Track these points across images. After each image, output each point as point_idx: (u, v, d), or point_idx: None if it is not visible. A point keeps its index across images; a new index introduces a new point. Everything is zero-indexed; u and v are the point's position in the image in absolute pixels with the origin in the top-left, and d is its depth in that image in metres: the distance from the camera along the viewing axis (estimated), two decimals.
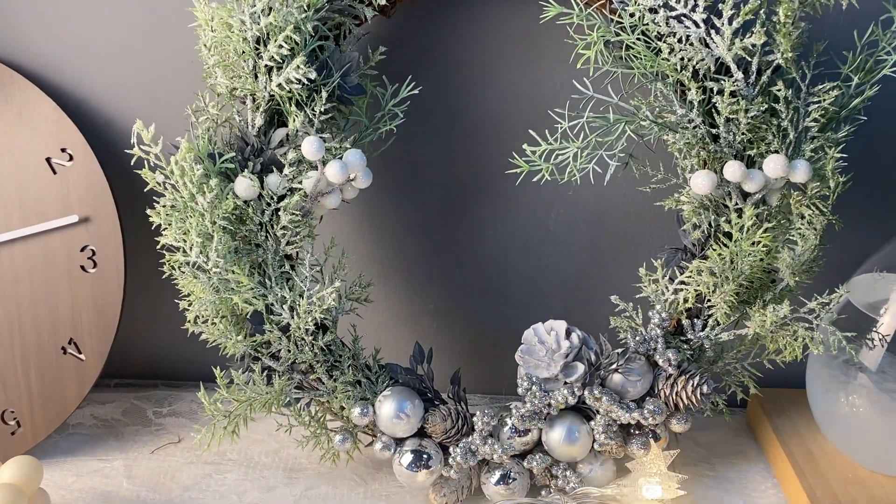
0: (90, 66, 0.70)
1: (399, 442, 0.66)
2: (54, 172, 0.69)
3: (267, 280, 0.63)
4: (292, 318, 0.63)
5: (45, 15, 0.69)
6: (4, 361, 0.70)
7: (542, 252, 0.76)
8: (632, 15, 0.58)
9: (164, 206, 0.59)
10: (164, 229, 0.60)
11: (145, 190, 0.59)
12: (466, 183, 0.75)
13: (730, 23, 0.57)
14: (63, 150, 0.69)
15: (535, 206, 0.75)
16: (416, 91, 0.63)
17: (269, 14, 0.57)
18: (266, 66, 0.58)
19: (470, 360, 0.81)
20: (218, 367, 0.63)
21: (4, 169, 0.69)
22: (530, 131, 0.60)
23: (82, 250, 0.70)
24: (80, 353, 0.70)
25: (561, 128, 0.59)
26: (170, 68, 0.70)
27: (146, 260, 0.74)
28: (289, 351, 0.64)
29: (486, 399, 0.81)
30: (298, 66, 0.57)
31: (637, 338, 0.65)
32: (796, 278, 0.62)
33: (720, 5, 0.57)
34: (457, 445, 0.65)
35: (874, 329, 0.63)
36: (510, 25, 0.68)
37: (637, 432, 0.66)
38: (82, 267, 0.70)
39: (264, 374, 0.64)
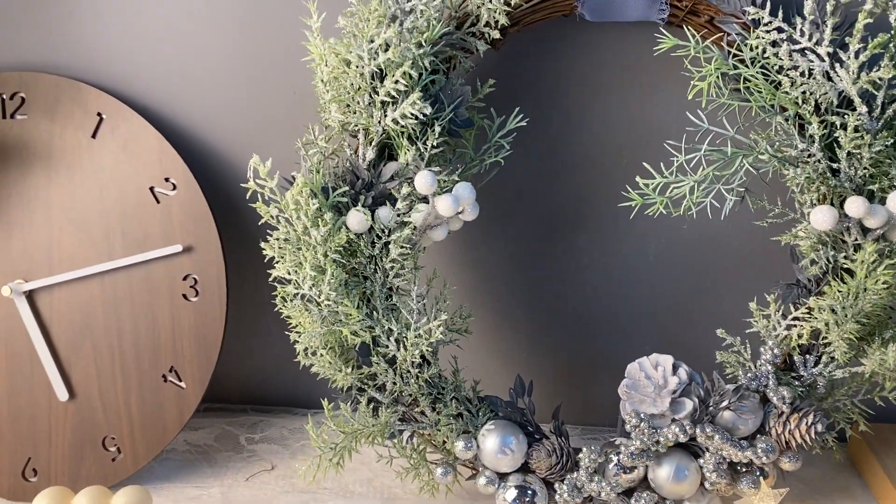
0: (193, 97, 0.71)
1: (502, 476, 0.66)
2: (158, 201, 0.70)
3: (374, 312, 0.63)
4: (399, 350, 0.62)
5: (151, 46, 0.70)
6: (106, 388, 0.71)
7: (641, 282, 0.75)
8: (752, 48, 0.58)
9: (277, 240, 0.60)
10: (276, 262, 0.60)
11: (256, 225, 0.60)
12: (566, 212, 0.74)
13: (856, 56, 0.56)
14: (167, 180, 0.70)
15: (636, 235, 0.74)
16: (523, 123, 0.63)
17: (386, 50, 0.57)
18: (382, 101, 0.58)
19: (560, 388, 0.80)
20: (324, 399, 0.63)
21: (109, 197, 0.70)
22: (645, 164, 0.59)
23: (185, 279, 0.70)
24: (180, 380, 0.71)
25: (677, 161, 0.58)
26: (271, 99, 0.71)
27: (246, 288, 0.74)
28: (394, 383, 0.63)
29: (577, 430, 0.80)
30: (415, 102, 0.57)
31: (748, 374, 0.64)
32: None
33: (847, 38, 0.56)
34: (562, 482, 0.64)
35: None
36: (618, 55, 0.67)
37: (745, 470, 0.64)
38: (184, 295, 0.70)
39: (370, 406, 0.64)
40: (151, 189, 0.70)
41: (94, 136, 0.70)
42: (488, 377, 0.76)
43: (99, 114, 0.70)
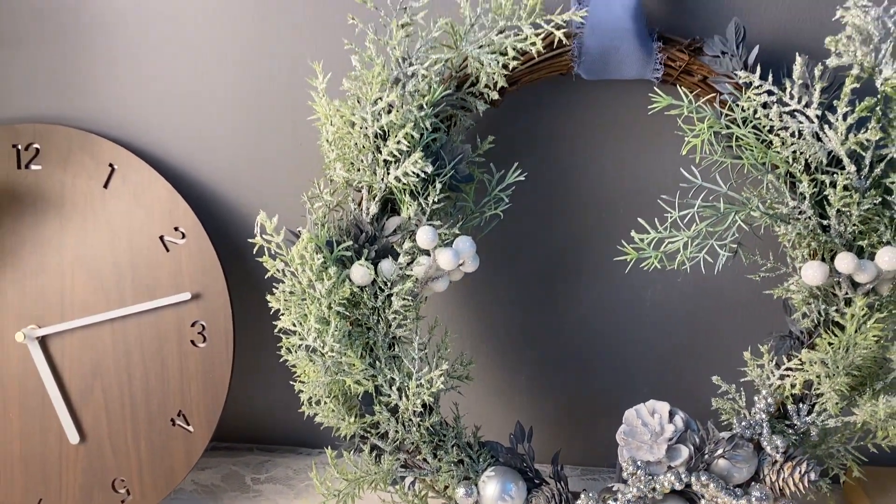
0: (202, 149, 0.73)
1: None
2: (167, 250, 0.72)
3: (377, 362, 0.64)
4: (401, 399, 0.64)
5: (161, 100, 0.72)
6: (116, 431, 0.73)
7: (638, 327, 0.77)
8: (743, 109, 0.59)
9: (282, 292, 0.61)
10: (282, 314, 0.62)
11: (262, 275, 0.62)
12: (565, 259, 0.76)
13: (844, 119, 0.57)
14: (176, 229, 0.72)
15: (633, 281, 0.75)
16: (522, 178, 0.65)
17: (389, 112, 0.59)
18: (385, 160, 0.60)
19: (560, 431, 0.81)
20: (328, 448, 0.65)
21: (120, 246, 0.72)
22: (640, 219, 0.61)
23: (193, 325, 0.72)
24: (188, 424, 0.73)
25: (671, 217, 0.60)
26: (277, 151, 0.73)
27: (253, 334, 0.76)
28: (397, 431, 0.65)
29: (577, 471, 0.81)
30: (417, 161, 0.59)
31: (743, 422, 0.65)
32: None
33: (835, 101, 0.57)
34: None
35: None
36: (614, 111, 0.69)
37: None
38: (192, 341, 0.72)
39: (372, 453, 0.66)
40: (161, 238, 0.72)
41: (105, 185, 0.72)
42: (490, 420, 0.78)
43: (111, 164, 0.72)
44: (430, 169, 0.60)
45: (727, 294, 0.74)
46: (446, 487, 0.67)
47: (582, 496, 0.65)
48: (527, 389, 0.80)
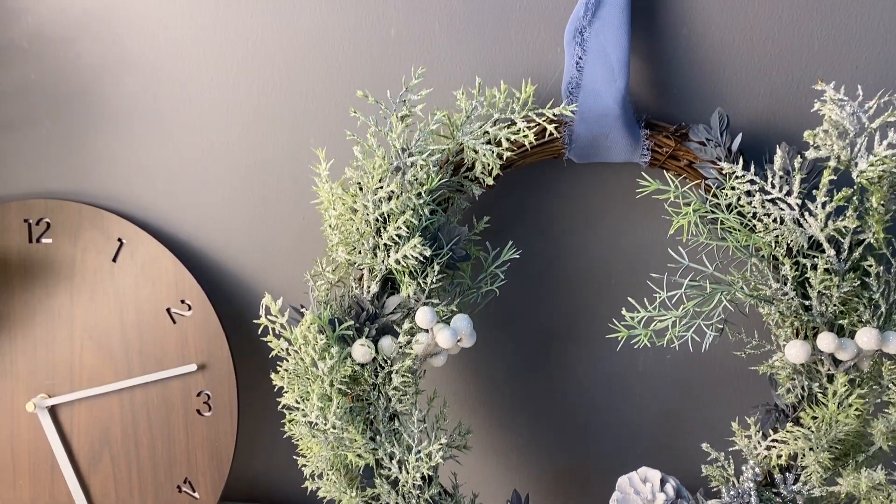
0: (208, 223, 0.76)
1: None
2: (174, 322, 0.75)
3: (377, 436, 0.66)
4: (401, 472, 0.66)
5: (168, 177, 0.75)
6: (123, 499, 0.75)
7: (631, 393, 0.79)
8: (727, 196, 0.62)
9: (286, 371, 0.64)
10: (285, 391, 0.64)
11: (264, 350, 0.64)
12: (559, 329, 0.78)
13: (823, 207, 0.60)
14: (182, 301, 0.74)
15: (625, 349, 0.78)
16: (516, 255, 0.67)
17: (390, 199, 0.62)
18: (385, 244, 0.63)
19: (556, 494, 0.83)
20: (325, 500, 0.67)
21: (128, 317, 0.74)
22: (630, 299, 0.63)
23: (198, 395, 0.74)
24: (194, 491, 0.75)
25: (659, 297, 0.63)
26: (281, 225, 0.75)
27: (256, 402, 0.78)
28: (397, 503, 0.67)
29: None
30: (415, 245, 0.62)
31: (731, 491, 0.67)
32: (889, 443, 0.64)
33: (814, 190, 0.60)
34: None
35: None
36: (604, 192, 0.72)
37: None
38: (198, 410, 0.74)
39: None
40: (168, 310, 0.74)
41: (114, 259, 0.74)
42: (489, 486, 0.80)
43: (119, 239, 0.74)
44: (428, 252, 0.63)
45: (716, 364, 0.76)
46: None
47: None
48: (524, 454, 0.83)
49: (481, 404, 0.81)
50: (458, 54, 0.68)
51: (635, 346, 0.65)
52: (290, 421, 0.65)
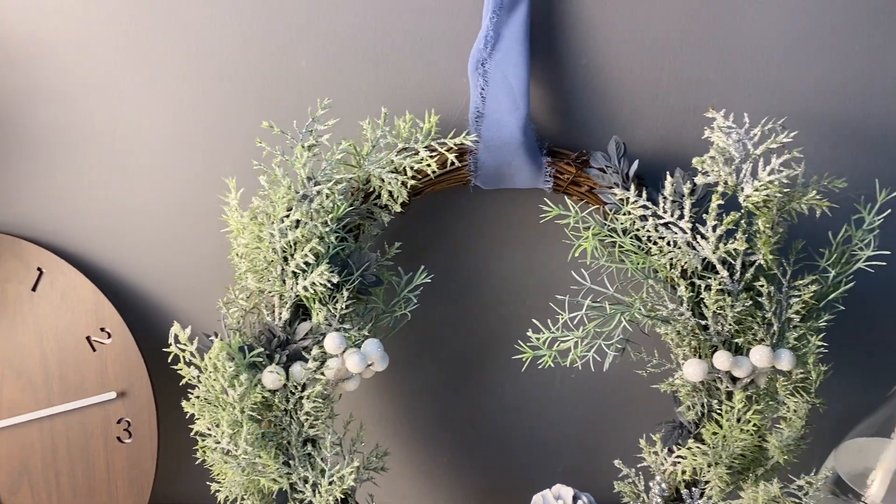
0: (127, 252, 0.77)
1: None
2: (94, 350, 0.75)
3: (291, 461, 0.67)
4: (314, 495, 0.67)
5: (87, 206, 0.75)
6: None
7: (549, 410, 0.81)
8: (623, 221, 0.64)
9: (197, 398, 0.65)
10: (197, 418, 0.65)
11: (181, 379, 0.65)
12: (475, 349, 0.80)
13: (714, 230, 0.62)
14: (102, 329, 0.75)
15: (541, 370, 0.79)
16: (428, 279, 0.69)
17: (296, 228, 0.63)
18: (293, 272, 0.64)
19: None
20: None
21: (48, 346, 0.75)
22: (534, 320, 0.65)
23: (119, 422, 0.75)
24: None
25: (562, 318, 0.64)
26: (198, 253, 0.76)
27: (177, 429, 0.78)
28: None
29: None
30: (323, 272, 0.63)
31: None
32: (785, 457, 0.66)
33: (704, 214, 0.63)
34: None
35: (862, 499, 0.67)
36: (512, 217, 0.74)
37: None
38: (118, 438, 0.75)
39: None
40: (88, 338, 0.75)
41: (34, 289, 0.75)
42: (414, 502, 0.81)
43: (39, 268, 0.75)
44: (336, 279, 0.64)
45: (627, 381, 0.78)
46: None
47: None
48: (449, 470, 0.84)
49: (403, 426, 0.82)
50: (366, 85, 0.70)
51: (539, 367, 0.67)
52: (202, 448, 0.66)
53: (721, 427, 0.65)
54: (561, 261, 0.74)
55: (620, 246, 0.65)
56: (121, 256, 0.77)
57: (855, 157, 0.70)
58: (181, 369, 0.64)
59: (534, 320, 0.65)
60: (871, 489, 0.67)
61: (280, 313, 0.67)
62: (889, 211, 0.64)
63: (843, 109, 0.69)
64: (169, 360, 0.64)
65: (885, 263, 0.64)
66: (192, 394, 0.64)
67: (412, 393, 0.81)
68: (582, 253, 0.64)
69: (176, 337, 0.63)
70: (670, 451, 0.70)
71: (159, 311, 0.78)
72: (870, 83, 0.68)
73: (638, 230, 0.65)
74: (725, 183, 0.61)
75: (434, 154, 0.65)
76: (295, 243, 0.64)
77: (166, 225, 0.76)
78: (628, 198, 0.64)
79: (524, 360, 0.64)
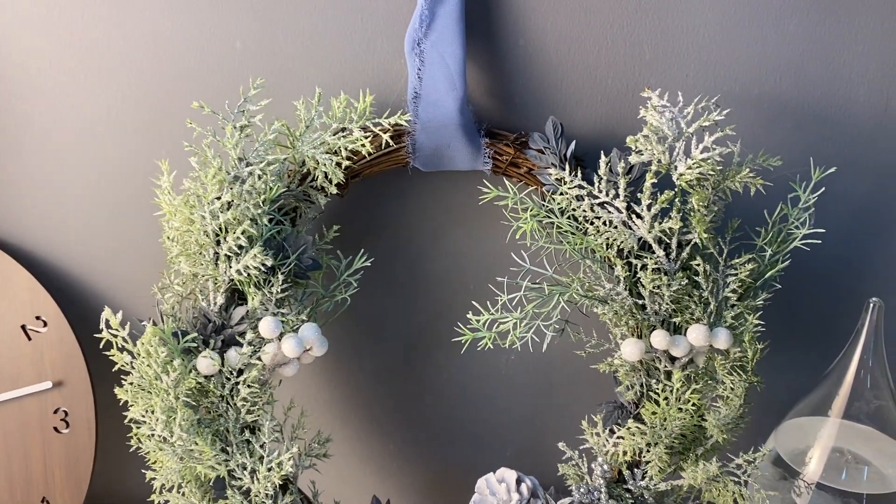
0: (64, 240, 0.75)
1: None
2: (29, 339, 0.73)
3: (229, 447, 0.66)
4: (253, 482, 0.66)
5: (23, 194, 0.74)
6: None
7: (495, 395, 0.81)
8: (559, 202, 0.64)
9: (130, 384, 0.63)
10: (131, 405, 0.64)
11: (114, 362, 0.63)
12: (421, 334, 0.79)
13: (648, 209, 0.62)
14: (38, 318, 0.73)
15: (487, 354, 0.79)
16: (368, 263, 0.68)
17: (227, 209, 0.62)
18: (226, 255, 0.63)
19: (430, 496, 0.84)
20: None
21: None
22: (473, 302, 0.65)
23: (55, 412, 0.73)
24: None
25: (501, 300, 0.64)
26: (136, 241, 0.75)
27: (116, 418, 0.77)
28: None
29: None
30: (255, 255, 0.62)
31: (582, 489, 0.69)
32: (724, 436, 0.66)
33: (639, 194, 0.63)
34: None
35: (800, 477, 0.67)
36: (452, 199, 0.73)
37: None
38: (55, 428, 0.73)
39: None
40: (23, 327, 0.73)
41: None
42: (357, 490, 0.80)
43: None
44: (270, 262, 0.63)
45: (571, 364, 0.78)
46: None
47: None
48: (396, 456, 0.83)
49: (349, 412, 0.81)
50: (302, 66, 0.69)
51: (479, 349, 0.67)
52: (136, 435, 0.65)
53: (659, 406, 0.65)
54: (502, 243, 0.74)
55: (558, 227, 0.65)
56: (57, 244, 0.75)
57: (790, 136, 0.70)
58: (114, 355, 0.63)
59: (474, 302, 0.64)
60: (809, 466, 0.68)
61: (215, 298, 0.66)
62: (823, 189, 0.65)
63: (779, 89, 0.69)
64: (101, 346, 0.62)
65: (820, 241, 0.64)
66: (127, 381, 0.63)
67: (357, 379, 0.80)
68: (522, 234, 0.64)
69: (107, 322, 0.62)
70: (611, 433, 0.70)
71: (97, 299, 0.76)
72: (806, 63, 0.69)
73: (575, 210, 0.64)
74: (659, 161, 0.61)
75: (369, 134, 0.64)
76: (227, 226, 0.63)
77: (102, 212, 0.74)
78: (565, 178, 0.64)
79: (464, 342, 0.63)
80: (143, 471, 0.69)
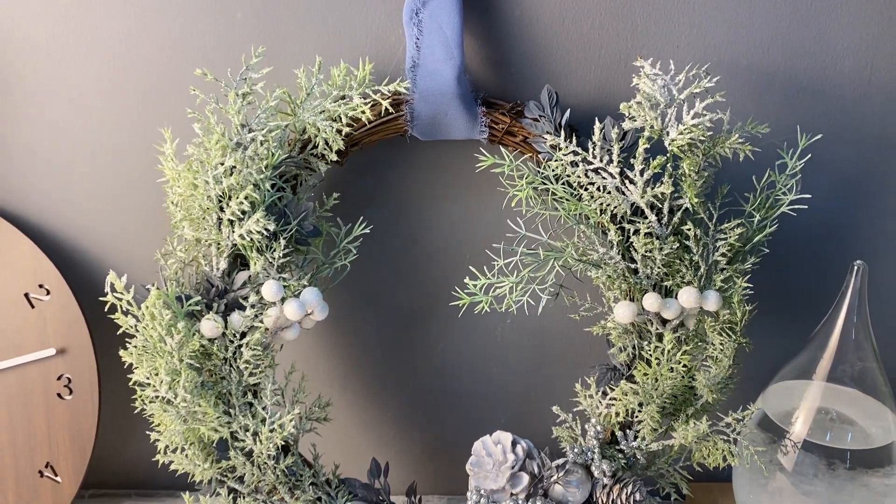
0: (66, 209, 0.76)
1: None
2: (32, 306, 0.74)
3: (231, 409, 0.68)
4: (255, 444, 0.68)
5: (26, 165, 0.75)
6: None
7: (491, 364, 0.82)
8: (554, 168, 0.66)
9: (135, 347, 0.65)
10: (135, 368, 0.65)
11: (122, 329, 0.65)
12: (419, 304, 0.81)
13: (641, 174, 0.64)
14: (41, 286, 0.74)
15: (483, 322, 0.81)
16: (367, 230, 0.69)
17: (230, 175, 0.63)
18: (229, 219, 0.65)
19: (427, 462, 0.86)
20: (186, 493, 0.68)
21: None
22: (470, 266, 0.66)
23: (59, 379, 0.75)
24: (56, 475, 0.75)
25: (497, 265, 0.66)
26: (137, 209, 0.76)
27: (119, 384, 0.78)
28: (253, 474, 0.68)
29: (443, 500, 0.86)
30: (258, 220, 0.64)
31: (576, 449, 0.71)
32: (714, 395, 0.68)
33: (632, 159, 0.64)
34: None
35: (787, 436, 0.70)
36: (449, 168, 0.75)
37: None
38: (59, 394, 0.75)
39: (230, 496, 0.69)
40: (26, 295, 0.74)
41: None
42: (357, 456, 0.82)
43: None
44: (272, 226, 0.64)
45: (566, 330, 0.80)
46: None
47: None
48: (394, 423, 0.85)
49: (348, 379, 0.83)
50: (302, 36, 0.70)
51: (496, 310, 0.68)
52: (141, 397, 0.66)
53: (651, 367, 0.67)
54: (498, 210, 0.75)
55: (553, 193, 0.66)
56: (59, 213, 0.76)
57: (778, 105, 0.72)
58: (118, 319, 0.64)
59: (471, 267, 0.66)
60: (795, 426, 0.70)
61: (218, 263, 0.67)
62: (809, 156, 0.67)
63: (767, 60, 0.71)
64: (106, 310, 0.64)
65: (806, 207, 0.67)
66: (132, 344, 0.65)
67: (355, 348, 0.82)
68: (518, 202, 0.65)
69: (112, 286, 0.63)
70: (604, 395, 0.72)
71: (99, 267, 0.78)
72: (793, 34, 0.70)
73: (569, 177, 0.66)
74: (652, 127, 0.63)
75: (368, 101, 0.65)
76: (230, 191, 0.64)
77: (104, 180, 0.75)
78: (560, 144, 0.66)
79: (461, 306, 0.65)
80: (147, 432, 0.70)
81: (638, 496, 0.69)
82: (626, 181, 0.65)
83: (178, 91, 0.72)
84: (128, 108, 0.73)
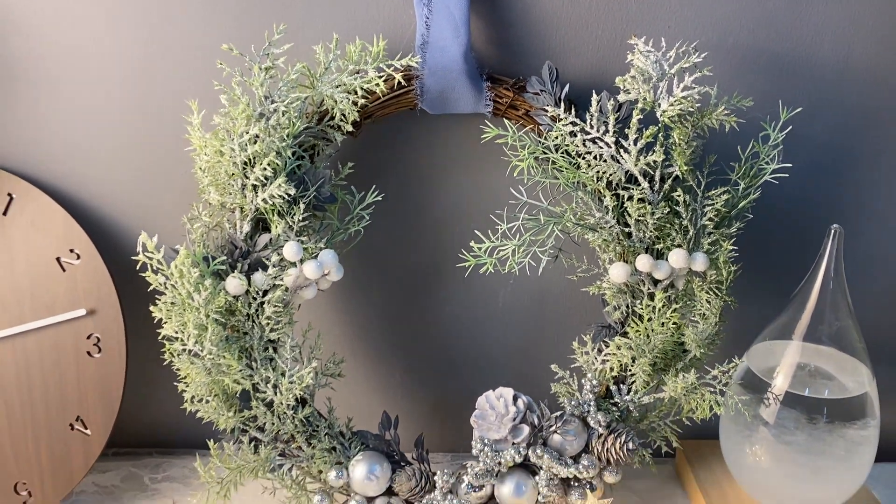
0: (95, 176, 0.81)
1: (370, 500, 0.76)
2: (63, 270, 0.79)
3: (253, 363, 0.73)
4: (275, 395, 0.73)
5: (56, 133, 0.80)
6: (17, 437, 0.79)
7: (493, 326, 0.88)
8: (554, 138, 0.71)
9: (164, 303, 0.69)
10: (164, 322, 0.70)
11: (148, 290, 0.70)
12: (426, 268, 0.86)
13: (635, 144, 0.69)
14: (71, 251, 0.79)
15: (486, 286, 0.86)
16: (379, 198, 0.74)
17: (255, 143, 0.68)
18: (252, 184, 0.70)
19: (433, 421, 0.91)
20: (210, 440, 0.73)
21: (19, 268, 0.79)
22: (476, 231, 0.71)
23: (88, 338, 0.79)
24: (86, 428, 0.79)
25: (501, 229, 0.71)
26: (164, 177, 0.81)
27: (144, 344, 0.83)
28: (273, 424, 0.73)
29: (448, 457, 0.91)
30: (280, 185, 0.68)
31: (573, 402, 0.76)
32: (701, 350, 0.74)
33: (626, 130, 0.69)
34: (421, 502, 0.75)
35: (769, 390, 0.75)
36: (457, 140, 0.80)
37: (576, 484, 0.76)
38: (88, 353, 0.79)
39: (251, 444, 0.74)
40: (58, 259, 0.79)
41: (5, 213, 0.79)
42: (367, 413, 0.87)
43: (9, 194, 0.79)
44: (293, 191, 0.69)
45: (563, 299, 0.85)
46: (320, 472, 0.76)
47: (438, 472, 0.75)
48: (401, 384, 0.90)
49: (359, 340, 0.88)
50: (321, 15, 0.75)
51: (499, 274, 0.73)
52: (170, 351, 0.71)
53: (643, 322, 0.73)
54: (502, 179, 0.80)
55: (553, 162, 0.71)
56: (89, 180, 0.81)
57: (762, 81, 0.77)
58: (149, 277, 0.69)
59: (476, 232, 0.71)
60: (776, 380, 0.75)
61: (241, 226, 0.72)
62: (790, 128, 0.72)
63: (752, 39, 0.76)
64: (141, 280, 0.69)
65: (787, 175, 0.72)
66: (161, 301, 0.69)
67: (366, 312, 0.87)
68: (520, 171, 0.71)
69: (144, 245, 0.68)
70: (599, 351, 0.77)
71: (126, 233, 0.82)
72: (777, 15, 0.76)
73: (568, 146, 0.71)
74: (645, 99, 0.68)
75: (382, 75, 0.70)
76: (254, 157, 0.69)
77: (133, 149, 0.80)
78: (559, 115, 0.71)
79: (468, 267, 0.70)
80: (170, 391, 0.75)
81: (631, 445, 0.75)
82: (621, 150, 0.70)
83: (205, 63, 0.77)
84: (156, 79, 0.78)
